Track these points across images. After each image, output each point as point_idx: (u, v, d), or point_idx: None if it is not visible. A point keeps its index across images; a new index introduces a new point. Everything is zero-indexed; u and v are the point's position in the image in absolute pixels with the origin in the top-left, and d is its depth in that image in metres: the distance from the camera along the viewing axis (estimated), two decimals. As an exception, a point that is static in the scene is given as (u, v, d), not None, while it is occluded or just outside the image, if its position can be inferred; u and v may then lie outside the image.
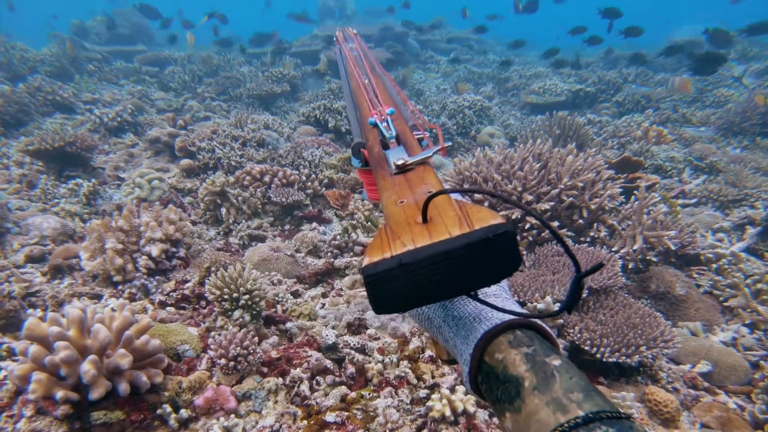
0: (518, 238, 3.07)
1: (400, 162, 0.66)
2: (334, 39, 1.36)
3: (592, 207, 3.13)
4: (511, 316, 0.53)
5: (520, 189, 3.09)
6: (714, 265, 3.33)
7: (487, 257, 0.47)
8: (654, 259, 3.17)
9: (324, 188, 4.41)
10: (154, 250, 2.77)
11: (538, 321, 0.53)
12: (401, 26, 13.21)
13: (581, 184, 3.15)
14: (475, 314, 0.56)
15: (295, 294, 2.98)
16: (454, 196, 0.58)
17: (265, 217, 4.02)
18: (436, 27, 14.13)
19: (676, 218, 4.02)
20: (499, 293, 0.64)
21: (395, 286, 0.47)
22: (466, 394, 2.02)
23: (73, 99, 7.41)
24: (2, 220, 3.49)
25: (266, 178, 4.15)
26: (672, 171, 4.91)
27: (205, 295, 2.58)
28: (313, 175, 4.42)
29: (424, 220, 0.51)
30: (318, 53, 10.93)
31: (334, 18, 17.88)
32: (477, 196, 3.18)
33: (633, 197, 3.39)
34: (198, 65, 9.85)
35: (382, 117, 0.77)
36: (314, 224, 4.02)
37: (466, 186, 3.29)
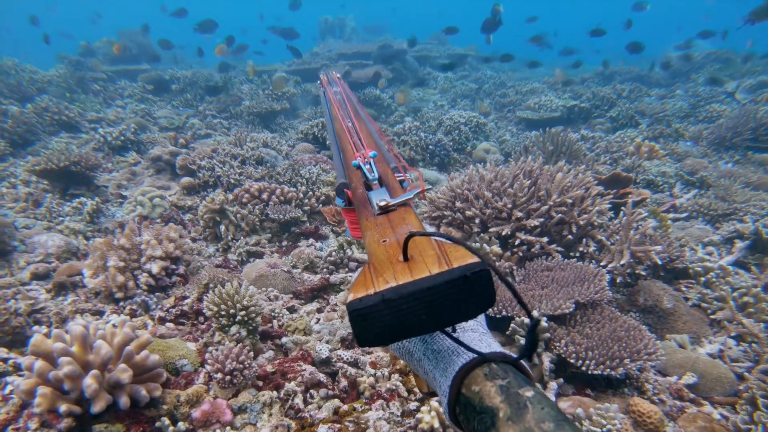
0: (509, 253, 3.16)
1: (382, 203, 0.71)
2: (318, 82, 1.44)
3: (581, 223, 3.22)
4: (489, 350, 0.58)
5: (510, 206, 3.18)
6: (702, 279, 3.40)
7: (465, 294, 0.50)
8: (643, 273, 3.24)
9: (321, 205, 4.51)
10: (155, 267, 2.86)
11: (512, 354, 0.57)
12: (399, 44, 13.46)
13: (570, 201, 3.24)
14: (453, 348, 0.60)
15: (291, 309, 3.06)
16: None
17: (263, 234, 4.11)
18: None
19: (667, 232, 4.10)
20: (476, 328, 0.68)
21: (378, 321, 0.50)
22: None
23: (79, 119, 7.57)
24: (9, 239, 3.59)
25: (264, 196, 4.25)
26: (663, 186, 5.00)
27: (204, 311, 2.66)
28: (311, 192, 4.52)
29: (405, 258, 0.55)
30: (317, 71, 11.12)
31: (335, 35, 18.20)
32: (468, 212, 3.27)
33: (622, 212, 3.48)
34: (201, 83, 10.04)
35: (365, 160, 0.82)
36: (311, 240, 4.10)
37: (458, 203, 3.38)
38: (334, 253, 3.58)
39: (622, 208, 3.46)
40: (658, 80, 10.32)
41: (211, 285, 2.89)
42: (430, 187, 4.70)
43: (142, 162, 5.40)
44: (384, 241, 0.62)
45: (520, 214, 3.15)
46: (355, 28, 18.19)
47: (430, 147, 6.47)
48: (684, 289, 3.33)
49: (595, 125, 8.03)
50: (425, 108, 10.05)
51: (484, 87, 11.42)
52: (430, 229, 1.05)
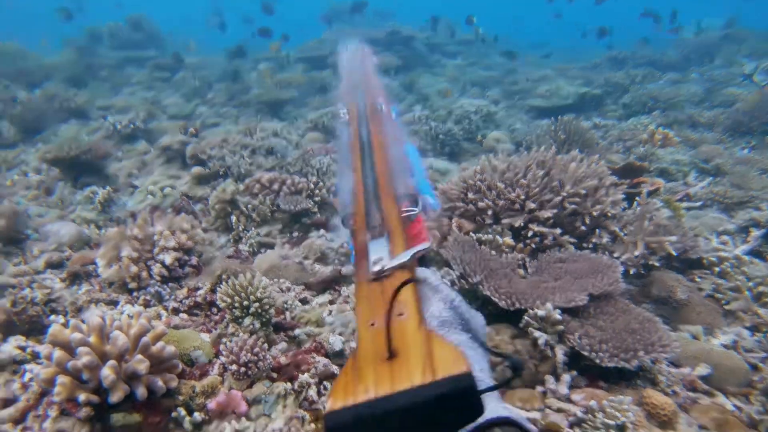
0: (521, 245, 3.13)
1: (377, 267, 0.68)
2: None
3: (594, 214, 3.18)
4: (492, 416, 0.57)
5: (523, 197, 3.15)
6: (717, 269, 3.36)
7: (447, 409, 0.48)
8: (656, 264, 3.21)
9: (332, 196, 4.50)
10: (168, 258, 2.88)
11: (515, 417, 0.57)
12: (408, 30, 13.31)
13: (584, 192, 3.20)
14: None
15: (304, 301, 3.07)
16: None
17: (274, 225, 4.12)
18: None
19: (680, 222, 4.05)
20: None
21: None
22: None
23: (88, 106, 7.59)
24: (23, 227, 3.63)
25: (275, 186, 4.25)
26: (677, 174, 4.93)
27: (217, 302, 2.68)
28: (321, 183, 4.50)
29: (390, 353, 0.54)
30: (326, 58, 11.02)
31: (342, 21, 17.99)
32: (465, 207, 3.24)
33: (636, 203, 3.43)
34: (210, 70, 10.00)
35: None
36: (321, 231, 4.10)
37: (470, 195, 3.35)
38: (345, 244, 3.58)
39: (636, 198, 3.41)
40: (672, 64, 10.10)
41: (224, 276, 2.91)
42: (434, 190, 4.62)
43: (153, 151, 5.42)
44: (372, 324, 0.60)
45: (533, 206, 3.12)
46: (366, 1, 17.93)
47: (441, 137, 6.41)
48: (698, 279, 3.29)
49: (607, 112, 7.91)
50: (434, 97, 9.95)
51: (494, 75, 11.25)
52: (433, 282, 1.03)
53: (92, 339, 1.85)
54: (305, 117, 8.43)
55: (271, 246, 3.93)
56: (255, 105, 8.46)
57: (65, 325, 1.95)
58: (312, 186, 4.43)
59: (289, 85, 9.26)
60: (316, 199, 4.36)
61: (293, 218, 4.21)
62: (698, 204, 4.46)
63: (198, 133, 5.44)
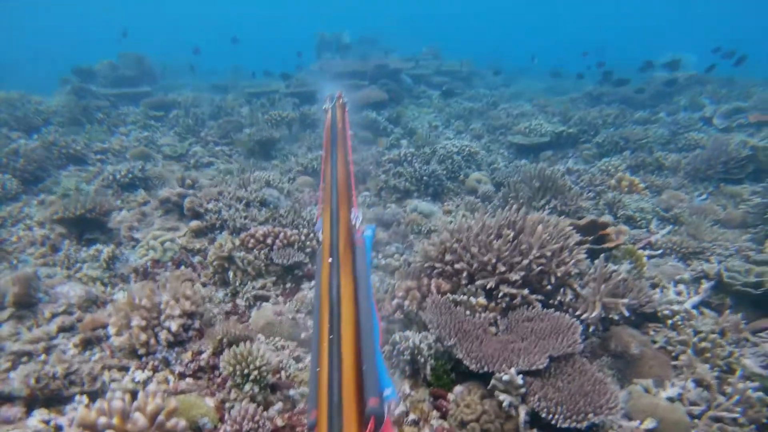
0: (493, 304, 3.49)
1: None
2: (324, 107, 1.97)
3: (559, 274, 3.55)
4: None
5: (494, 260, 3.51)
6: (669, 321, 3.74)
7: None
8: (616, 317, 3.58)
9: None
10: (174, 325, 3.18)
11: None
12: (394, 62, 13.82)
13: (549, 253, 3.57)
14: None
15: (297, 359, 3.38)
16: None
17: (268, 277, 4.43)
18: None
19: (642, 272, 4.44)
20: None
21: None
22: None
23: (85, 150, 7.87)
24: (34, 291, 3.90)
25: (269, 240, 4.57)
26: (641, 222, 5.35)
27: (219, 366, 2.99)
28: (312, 234, 4.84)
29: None
30: (315, 94, 11.44)
31: (331, 50, 18.53)
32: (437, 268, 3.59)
33: (597, 261, 3.81)
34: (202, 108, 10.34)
35: None
36: (313, 283, 4.42)
37: (447, 256, 3.71)
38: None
39: (596, 262, 3.79)
40: (642, 101, 10.69)
41: (224, 340, 3.22)
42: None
43: (151, 202, 5.71)
44: None
45: (503, 269, 3.48)
46: (350, 44, 18.52)
47: (425, 178, 6.80)
48: (652, 333, 3.66)
49: (582, 150, 8.39)
50: (420, 130, 10.37)
51: (477, 106, 11.74)
52: None
53: (115, 421, 2.15)
54: (296, 154, 8.81)
55: (266, 298, 4.24)
56: (248, 144, 8.80)
57: (88, 406, 2.24)
58: (303, 238, 4.76)
59: (281, 121, 9.62)
60: (308, 250, 4.69)
61: (286, 270, 4.52)
62: (659, 252, 4.88)
63: (195, 184, 5.75)
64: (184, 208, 5.31)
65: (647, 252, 4.92)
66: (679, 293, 4.28)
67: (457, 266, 3.61)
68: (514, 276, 3.45)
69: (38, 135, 8.66)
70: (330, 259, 1.41)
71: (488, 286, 3.48)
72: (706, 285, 4.18)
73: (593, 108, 10.45)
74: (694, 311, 3.85)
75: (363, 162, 7.50)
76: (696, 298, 4.12)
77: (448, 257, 3.70)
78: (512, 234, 3.69)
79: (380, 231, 5.28)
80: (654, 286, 4.39)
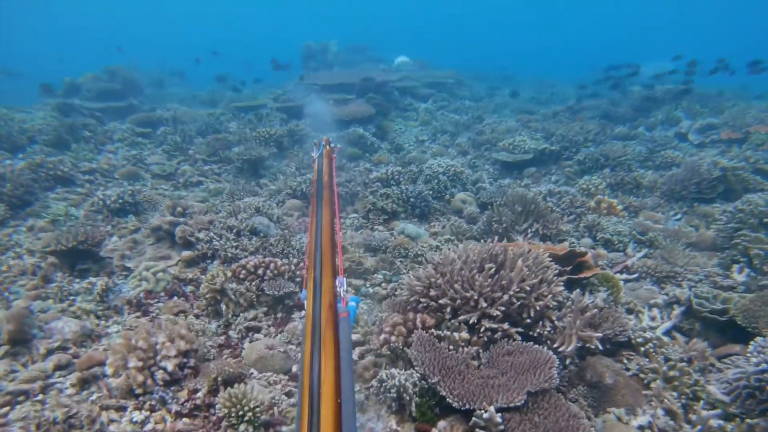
0: (475, 338, 3.67)
1: None
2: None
3: (538, 308, 3.75)
4: None
5: (476, 297, 3.69)
6: (642, 349, 3.96)
7: None
8: (592, 347, 3.78)
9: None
10: (170, 365, 3.30)
11: None
12: (381, 74, 14.01)
13: (529, 288, 3.77)
14: None
15: (289, 394, 3.52)
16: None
17: (259, 308, 4.56)
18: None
19: (618, 297, 4.67)
20: None
21: None
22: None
23: (73, 171, 7.89)
24: (29, 328, 3.98)
25: (260, 271, 4.70)
26: (619, 245, 5.59)
27: (215, 404, 3.12)
28: (301, 263, 4.98)
29: None
30: (302, 109, 11.57)
31: (317, 60, 18.66)
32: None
33: (575, 293, 4.02)
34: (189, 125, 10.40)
35: None
36: (303, 312, 4.56)
37: (432, 292, 3.88)
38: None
39: (576, 291, 3.98)
40: (623, 115, 11.02)
41: (219, 379, 3.35)
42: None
43: (143, 230, 5.80)
44: None
45: (485, 305, 3.67)
46: (338, 53, 18.67)
47: (411, 200, 6.98)
48: (626, 361, 3.88)
49: (564, 167, 8.64)
50: (407, 145, 10.55)
51: (463, 120, 11.96)
52: None
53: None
54: (285, 172, 8.93)
55: (258, 329, 4.37)
56: (237, 163, 8.88)
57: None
58: (293, 267, 4.90)
59: (269, 138, 9.72)
60: (297, 279, 4.83)
61: (277, 300, 4.66)
62: (634, 276, 5.11)
63: (186, 211, 5.85)
64: (175, 236, 5.41)
65: (624, 276, 5.16)
66: (653, 318, 4.53)
67: (441, 301, 3.78)
68: (495, 312, 3.63)
69: (24, 154, 8.69)
70: (312, 335, 1.39)
71: (471, 321, 3.66)
72: (677, 311, 4.42)
73: (575, 122, 10.75)
74: (666, 338, 4.07)
75: (351, 183, 7.64)
76: (668, 324, 4.35)
77: (432, 292, 3.87)
78: (494, 268, 3.88)
79: (368, 258, 5.44)
80: (630, 311, 4.62)
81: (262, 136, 9.61)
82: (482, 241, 5.93)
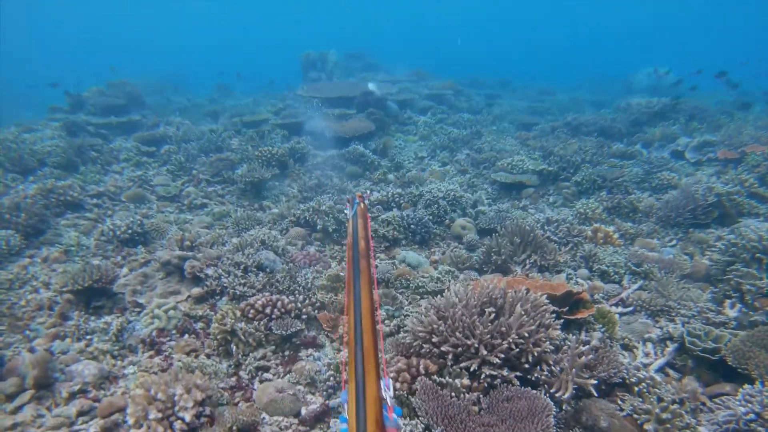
0: (476, 384, 3.85)
1: None
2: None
3: (535, 353, 3.93)
4: None
5: (476, 344, 3.88)
6: (636, 389, 4.15)
7: None
8: (588, 388, 3.97)
9: (317, 311, 5.16)
10: (188, 416, 3.49)
11: None
12: (381, 89, 14.15)
13: (527, 334, 3.95)
14: None
15: (300, 441, 3.71)
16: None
17: (268, 347, 4.74)
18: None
19: (613, 333, 4.86)
20: None
21: None
22: None
23: (82, 196, 8.06)
24: (51, 372, 4.17)
25: (268, 310, 4.88)
26: (615, 276, 5.77)
27: (230, 455, 3.31)
28: (307, 300, 5.16)
29: None
30: (302, 125, 11.71)
31: (316, 69, 18.78)
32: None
33: (571, 337, 4.20)
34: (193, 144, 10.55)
35: None
36: (310, 351, 4.75)
37: (434, 338, 4.06)
38: (331, 377, 4.24)
39: (572, 337, 4.17)
40: (620, 131, 11.18)
41: (234, 428, 3.53)
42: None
43: (153, 263, 5.97)
44: None
45: (485, 352, 3.85)
46: (337, 62, 18.78)
47: (412, 226, 7.15)
48: (620, 402, 4.07)
49: (562, 188, 8.82)
50: (407, 163, 10.71)
51: (462, 134, 12.11)
52: None
53: None
54: (287, 193, 9.11)
55: (267, 369, 4.55)
56: (240, 184, 9.05)
57: None
58: (299, 305, 5.08)
59: (272, 158, 9.87)
60: (304, 316, 5.01)
61: (284, 338, 4.84)
62: (629, 309, 5.30)
63: (193, 244, 6.03)
64: (184, 271, 5.59)
65: (619, 309, 5.34)
66: (647, 354, 4.71)
67: (443, 348, 3.97)
68: (495, 359, 3.81)
69: (34, 177, 8.87)
70: None
71: (471, 368, 3.84)
72: (671, 347, 4.61)
73: (573, 138, 10.91)
74: (658, 377, 4.26)
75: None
76: (662, 361, 4.54)
77: (435, 339, 4.05)
78: (494, 313, 4.06)
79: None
80: (625, 347, 4.81)
81: (264, 156, 9.76)
82: (482, 270, 6.14)
